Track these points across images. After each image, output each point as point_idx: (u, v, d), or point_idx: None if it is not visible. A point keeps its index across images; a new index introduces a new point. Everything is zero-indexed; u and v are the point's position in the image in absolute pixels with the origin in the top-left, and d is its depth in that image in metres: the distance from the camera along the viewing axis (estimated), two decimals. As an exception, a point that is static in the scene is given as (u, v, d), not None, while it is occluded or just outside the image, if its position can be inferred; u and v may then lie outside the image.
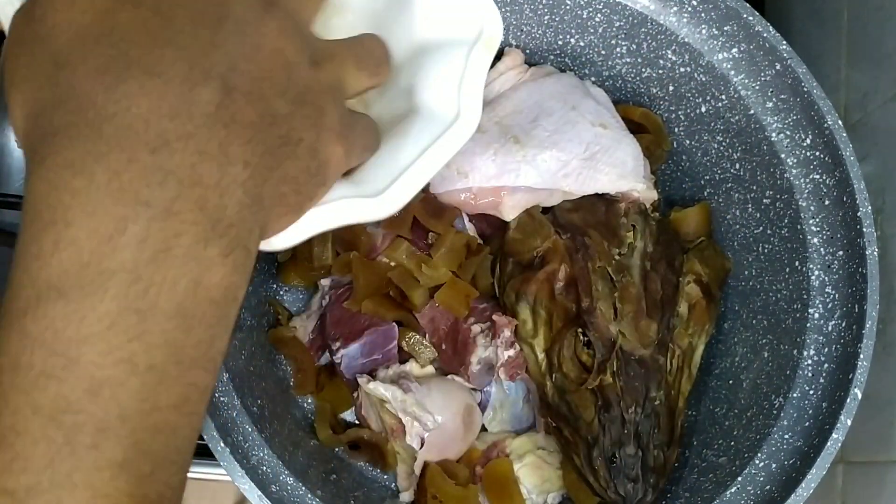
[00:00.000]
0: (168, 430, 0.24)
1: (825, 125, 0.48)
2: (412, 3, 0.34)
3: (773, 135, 0.51)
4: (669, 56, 0.53)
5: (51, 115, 0.24)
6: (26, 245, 0.24)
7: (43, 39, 0.25)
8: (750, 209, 0.54)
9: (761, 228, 0.53)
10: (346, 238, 0.53)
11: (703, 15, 0.51)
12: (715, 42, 0.51)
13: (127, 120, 0.23)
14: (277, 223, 0.28)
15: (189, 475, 0.66)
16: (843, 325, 0.47)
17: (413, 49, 0.34)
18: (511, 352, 0.50)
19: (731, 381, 0.53)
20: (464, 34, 0.33)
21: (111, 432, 0.23)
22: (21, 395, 0.22)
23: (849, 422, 0.44)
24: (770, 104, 0.51)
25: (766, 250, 0.53)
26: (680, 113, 0.56)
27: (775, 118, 0.51)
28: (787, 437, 0.47)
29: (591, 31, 0.54)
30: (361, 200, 0.31)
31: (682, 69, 0.53)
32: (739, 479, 0.47)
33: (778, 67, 0.50)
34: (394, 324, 0.53)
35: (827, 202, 0.49)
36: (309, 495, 0.45)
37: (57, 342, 0.22)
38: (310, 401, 0.56)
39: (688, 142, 0.57)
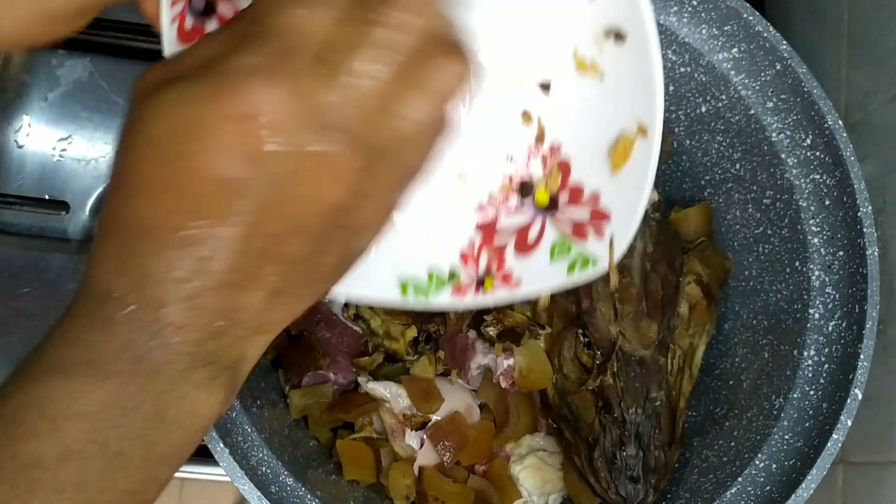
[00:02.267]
0: None
1: (825, 125, 0.48)
2: None
3: (774, 135, 0.51)
4: (669, 56, 0.53)
5: (102, 239, 0.29)
6: (56, 332, 0.28)
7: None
8: (750, 209, 0.54)
9: (761, 228, 0.53)
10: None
11: (703, 15, 0.51)
12: (715, 42, 0.51)
13: (148, 275, 0.27)
14: (280, 329, 0.30)
15: (189, 475, 0.66)
16: (844, 325, 0.47)
17: None
18: (510, 361, 0.50)
19: (731, 382, 0.53)
20: None
21: (65, 495, 0.27)
22: (6, 441, 0.27)
23: (849, 422, 0.44)
24: (770, 104, 0.51)
25: (766, 250, 0.53)
26: (680, 113, 0.56)
27: (775, 118, 0.51)
28: (787, 437, 0.47)
29: (591, 31, 0.54)
30: None
31: (682, 69, 0.53)
32: (740, 479, 0.46)
33: (778, 67, 0.50)
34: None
35: (827, 202, 0.49)
36: (309, 496, 0.45)
37: (50, 409, 0.27)
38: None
39: (688, 142, 0.57)
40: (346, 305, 0.52)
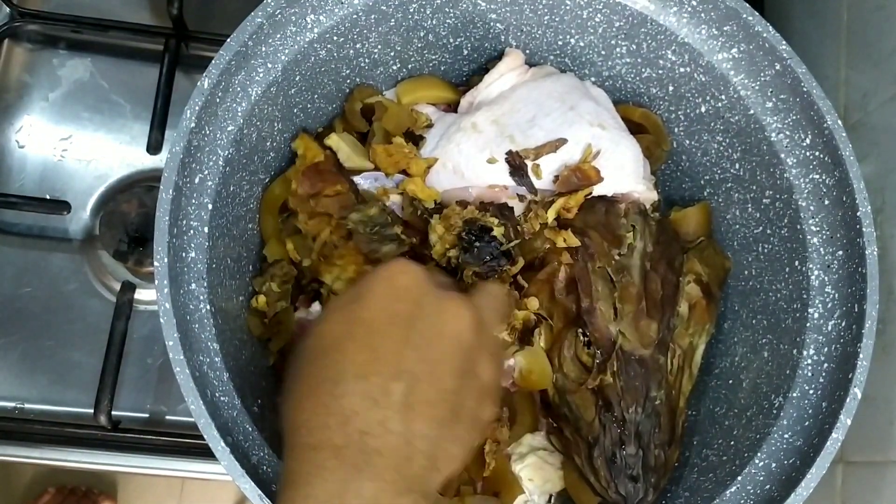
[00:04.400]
0: None
1: (825, 125, 0.48)
2: None
3: (773, 135, 0.51)
4: (669, 56, 0.53)
5: (296, 400, 0.36)
6: (284, 501, 0.34)
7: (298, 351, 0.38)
8: (750, 209, 0.54)
9: (761, 228, 0.53)
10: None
11: (702, 15, 0.51)
12: (715, 42, 0.51)
13: (345, 411, 0.34)
14: (449, 471, 0.36)
15: (189, 475, 0.67)
16: (843, 324, 0.47)
17: None
18: (511, 361, 0.50)
19: (730, 381, 0.53)
20: None
21: None
22: None
23: (848, 421, 0.44)
24: (770, 104, 0.51)
25: (765, 250, 0.53)
26: (680, 113, 0.56)
27: (775, 118, 0.51)
28: (786, 436, 0.47)
29: (591, 31, 0.54)
30: None
31: (681, 69, 0.53)
32: (739, 478, 0.47)
33: (777, 67, 0.50)
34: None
35: (826, 202, 0.49)
36: (309, 495, 0.45)
37: None
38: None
39: (687, 142, 0.57)
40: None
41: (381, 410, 0.34)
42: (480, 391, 0.38)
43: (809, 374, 0.48)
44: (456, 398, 0.36)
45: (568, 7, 0.53)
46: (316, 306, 0.52)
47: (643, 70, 0.55)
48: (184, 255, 0.46)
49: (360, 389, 0.34)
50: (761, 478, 0.46)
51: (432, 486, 0.35)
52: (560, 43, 0.56)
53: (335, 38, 0.51)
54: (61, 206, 0.65)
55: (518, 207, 0.52)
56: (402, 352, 0.36)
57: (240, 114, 0.48)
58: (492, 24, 0.55)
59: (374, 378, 0.35)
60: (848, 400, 0.44)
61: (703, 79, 0.53)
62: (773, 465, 0.47)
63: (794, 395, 0.48)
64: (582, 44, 0.55)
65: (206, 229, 0.47)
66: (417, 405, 0.35)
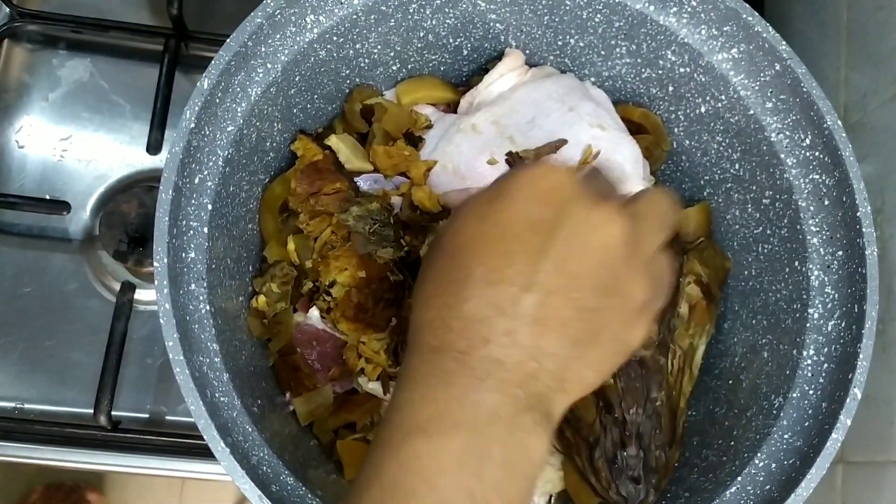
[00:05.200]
0: None
1: (825, 125, 0.48)
2: None
3: (773, 135, 0.51)
4: (669, 56, 0.53)
5: (423, 299, 0.34)
6: (403, 397, 0.33)
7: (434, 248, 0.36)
8: (749, 209, 0.54)
9: (761, 228, 0.53)
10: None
11: (702, 15, 0.51)
12: (714, 42, 0.51)
13: (470, 316, 0.32)
14: (578, 393, 0.34)
15: (189, 475, 0.67)
16: (843, 325, 0.47)
17: None
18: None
19: (730, 381, 0.53)
20: None
21: None
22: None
23: (848, 422, 0.44)
24: (770, 104, 0.51)
25: (765, 250, 0.53)
26: (679, 113, 0.56)
27: (775, 118, 0.51)
28: (786, 436, 0.47)
29: (591, 31, 0.54)
30: None
31: (681, 69, 0.53)
32: (739, 478, 0.47)
33: (777, 68, 0.50)
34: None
35: (826, 202, 0.49)
36: (309, 495, 0.45)
37: (420, 467, 0.30)
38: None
39: (687, 142, 0.57)
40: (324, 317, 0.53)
41: (509, 320, 0.32)
42: (628, 313, 0.34)
43: (809, 374, 0.48)
44: (596, 318, 0.33)
45: (568, 7, 0.53)
46: (314, 311, 0.52)
47: (643, 70, 0.55)
48: (183, 255, 0.46)
49: (487, 295, 0.32)
50: (761, 478, 0.46)
51: (557, 408, 0.33)
52: (560, 43, 0.56)
53: (335, 38, 0.51)
54: (61, 206, 0.65)
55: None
56: (538, 262, 0.32)
57: (239, 114, 0.48)
58: (491, 24, 0.55)
59: (504, 286, 0.32)
60: (848, 400, 0.44)
61: (703, 79, 0.53)
62: (773, 465, 0.47)
63: (794, 395, 0.48)
64: (582, 44, 0.55)
65: (205, 230, 0.47)
66: (549, 320, 0.32)
